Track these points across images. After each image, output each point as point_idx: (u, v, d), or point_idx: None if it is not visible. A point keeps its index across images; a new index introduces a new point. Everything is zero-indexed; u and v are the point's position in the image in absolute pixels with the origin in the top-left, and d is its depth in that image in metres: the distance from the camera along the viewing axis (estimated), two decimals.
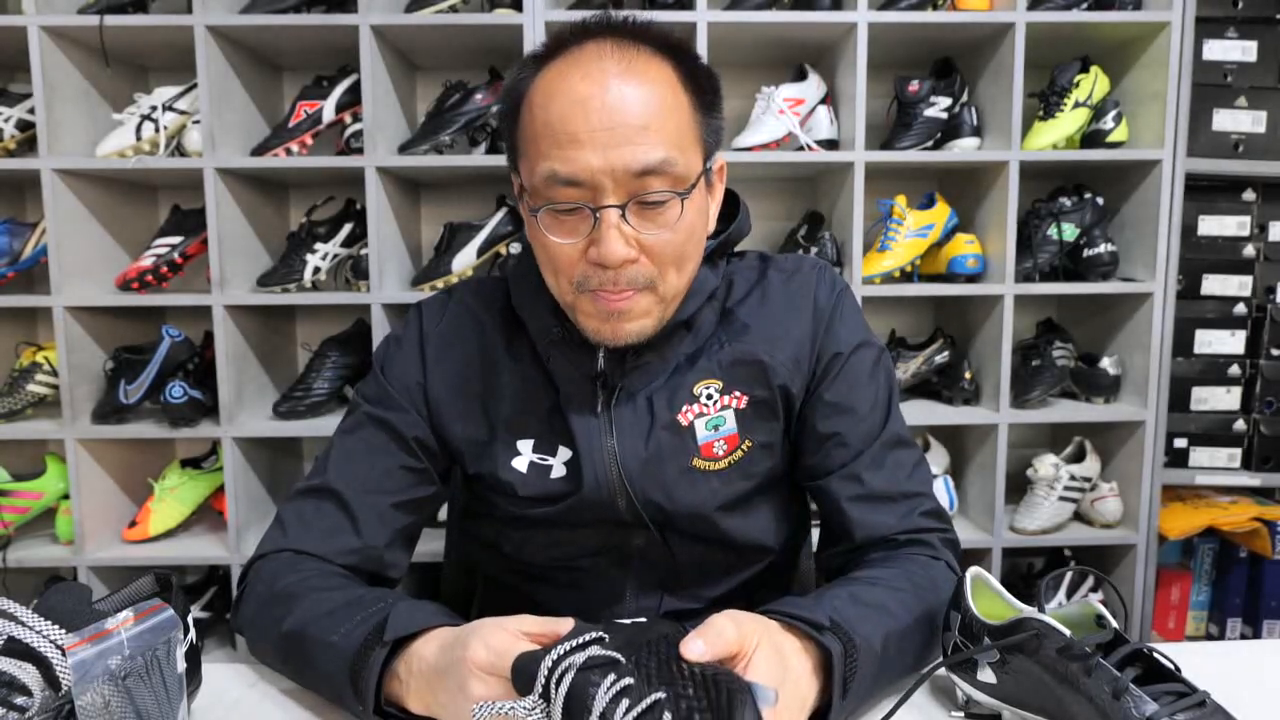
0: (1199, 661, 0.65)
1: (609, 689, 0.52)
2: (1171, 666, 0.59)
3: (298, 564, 0.80)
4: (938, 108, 1.73)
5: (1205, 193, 1.79)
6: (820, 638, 0.64)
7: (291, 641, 0.72)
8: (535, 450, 0.85)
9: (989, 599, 0.69)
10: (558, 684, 0.53)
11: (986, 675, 0.65)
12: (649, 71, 0.73)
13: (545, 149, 0.73)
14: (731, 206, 0.90)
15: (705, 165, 0.78)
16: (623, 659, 0.54)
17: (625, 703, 0.51)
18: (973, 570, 0.71)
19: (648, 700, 0.51)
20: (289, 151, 1.67)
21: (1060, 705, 0.60)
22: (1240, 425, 1.82)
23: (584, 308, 0.78)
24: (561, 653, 0.53)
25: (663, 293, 0.77)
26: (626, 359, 0.83)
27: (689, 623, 0.85)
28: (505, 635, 0.59)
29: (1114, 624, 0.61)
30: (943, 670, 0.68)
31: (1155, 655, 0.60)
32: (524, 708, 0.53)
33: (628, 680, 0.52)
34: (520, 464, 0.85)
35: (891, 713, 0.64)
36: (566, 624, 0.58)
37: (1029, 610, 0.64)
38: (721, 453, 0.84)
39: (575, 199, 0.73)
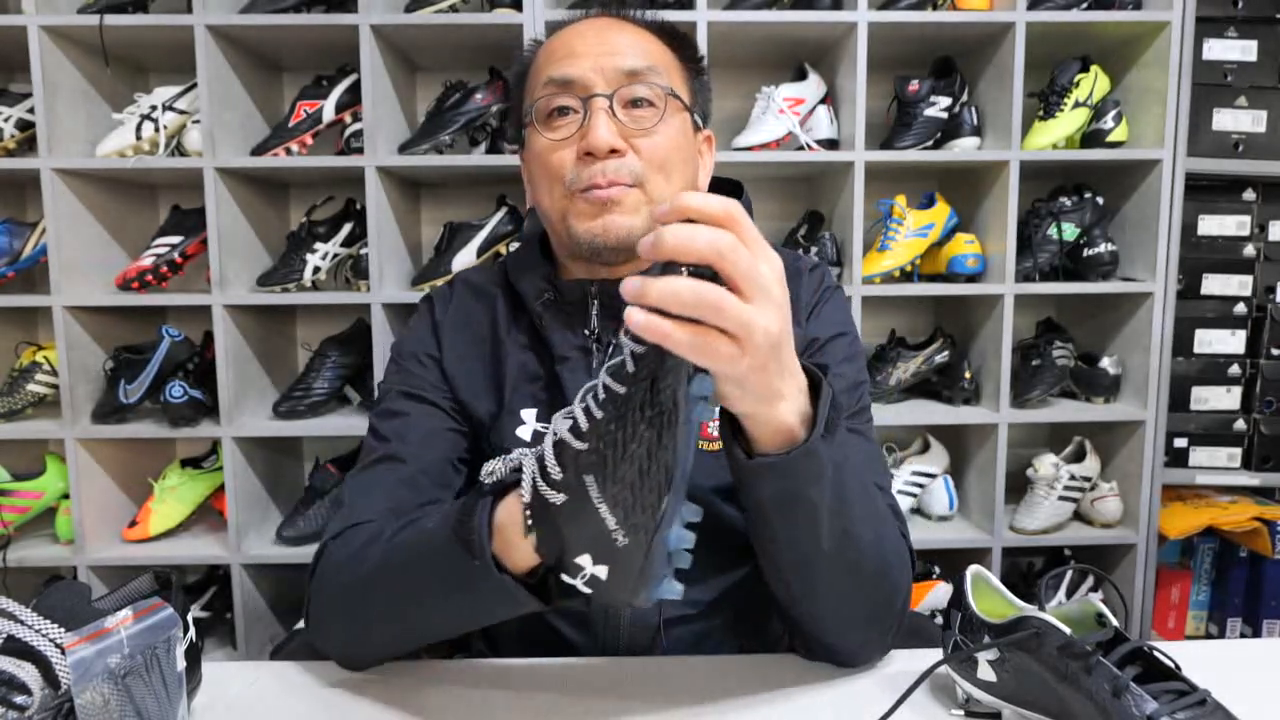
0: (1199, 661, 0.65)
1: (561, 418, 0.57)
2: (1172, 665, 0.59)
3: (368, 525, 0.77)
4: (938, 107, 1.73)
5: (1205, 192, 1.79)
6: (807, 365, 0.63)
7: (384, 571, 0.70)
8: (539, 419, 0.86)
9: (989, 597, 0.69)
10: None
11: (986, 673, 0.65)
12: (638, 29, 0.86)
13: (544, 68, 0.82)
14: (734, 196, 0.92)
15: (692, 111, 0.86)
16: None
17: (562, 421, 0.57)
18: (973, 569, 0.71)
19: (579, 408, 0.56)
20: (289, 151, 1.67)
21: (1060, 703, 0.60)
22: (1240, 425, 1.81)
23: (574, 208, 0.81)
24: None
25: (651, 193, 0.81)
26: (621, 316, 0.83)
27: (686, 628, 0.84)
28: None
29: (1114, 622, 0.61)
30: (943, 668, 0.68)
31: (1155, 654, 0.60)
32: (519, 455, 0.59)
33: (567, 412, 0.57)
34: (524, 433, 0.85)
35: (891, 711, 0.64)
36: None
37: (1029, 608, 0.64)
38: (717, 434, 0.84)
39: (568, 96, 0.80)
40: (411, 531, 0.70)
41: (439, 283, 1.69)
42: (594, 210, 0.80)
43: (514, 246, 1.76)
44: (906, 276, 1.79)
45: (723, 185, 0.94)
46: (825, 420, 0.61)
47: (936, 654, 0.71)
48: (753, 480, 0.63)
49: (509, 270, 0.92)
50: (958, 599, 0.69)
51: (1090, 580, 1.80)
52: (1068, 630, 0.60)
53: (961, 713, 0.68)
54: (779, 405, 0.59)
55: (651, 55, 0.82)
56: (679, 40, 0.88)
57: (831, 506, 0.64)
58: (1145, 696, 0.56)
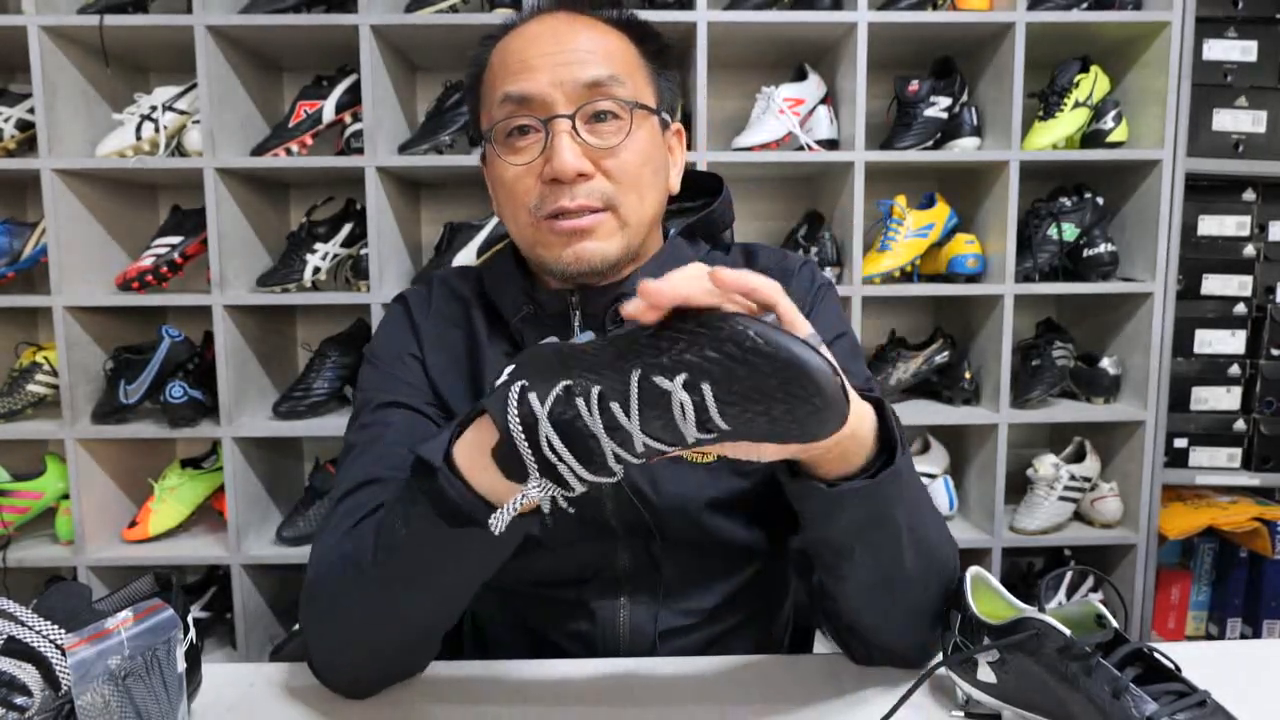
0: (1199, 661, 0.65)
1: (591, 406, 0.49)
2: (1171, 666, 0.59)
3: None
4: (938, 108, 1.73)
5: (1205, 193, 1.79)
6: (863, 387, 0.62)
7: (374, 573, 0.66)
8: None
9: (989, 599, 0.69)
10: (547, 445, 0.51)
11: (986, 675, 0.65)
12: (596, 24, 0.79)
13: (499, 83, 0.77)
14: (716, 194, 0.90)
15: (659, 112, 0.81)
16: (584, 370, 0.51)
17: (615, 406, 0.49)
18: (973, 570, 0.71)
19: (633, 382, 0.49)
20: (289, 151, 1.67)
21: (1060, 705, 0.60)
22: (1240, 425, 1.81)
23: (543, 238, 0.77)
24: (520, 416, 0.50)
25: (624, 215, 0.77)
26: (606, 332, 0.80)
27: (685, 639, 0.83)
28: None
29: (1114, 624, 0.60)
30: (943, 670, 0.68)
31: (1155, 655, 0.60)
32: (534, 490, 0.53)
33: (597, 388, 0.50)
34: None
35: (892, 712, 0.64)
36: None
37: (1029, 610, 0.64)
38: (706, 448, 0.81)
39: (527, 116, 0.75)
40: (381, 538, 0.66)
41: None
42: (563, 240, 0.76)
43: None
44: (906, 277, 1.79)
45: (702, 180, 0.91)
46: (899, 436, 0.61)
47: (936, 655, 0.71)
48: (835, 510, 0.62)
49: (485, 282, 0.87)
50: (957, 600, 0.69)
51: (1090, 580, 1.81)
52: (1067, 631, 0.60)
53: (961, 714, 0.68)
54: (854, 427, 0.58)
55: (612, 59, 0.77)
56: (640, 32, 0.83)
57: (909, 522, 0.64)
58: (1145, 698, 0.56)
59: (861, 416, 0.60)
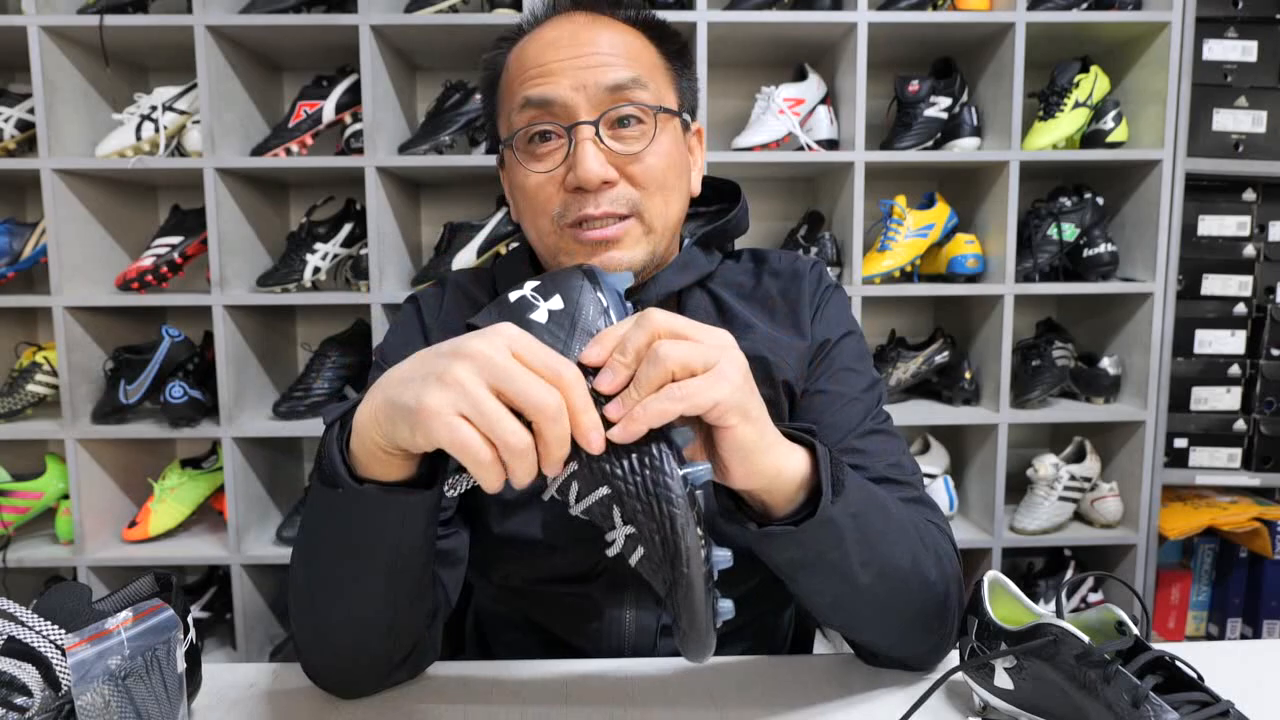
0: (1197, 660, 0.65)
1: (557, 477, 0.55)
2: (1194, 675, 0.58)
3: None
4: (938, 108, 1.73)
5: (1205, 193, 1.79)
6: (801, 434, 0.62)
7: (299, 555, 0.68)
8: None
9: (1007, 603, 0.68)
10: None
11: (1003, 680, 0.64)
12: (615, 25, 0.78)
13: (519, 87, 0.75)
14: (733, 199, 0.89)
15: (681, 114, 0.80)
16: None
17: (576, 487, 0.54)
18: (990, 574, 0.70)
19: (597, 496, 0.54)
20: (289, 151, 1.67)
21: (1078, 712, 0.59)
22: (1240, 425, 1.81)
23: (567, 246, 0.76)
24: None
25: (650, 221, 0.76)
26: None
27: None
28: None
29: (1135, 630, 0.59)
30: (959, 675, 0.67)
31: (1178, 663, 0.58)
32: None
33: (572, 466, 0.54)
34: None
35: (907, 715, 0.63)
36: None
37: (1048, 615, 0.63)
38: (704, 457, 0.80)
39: (549, 122, 0.74)
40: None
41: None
42: (588, 250, 0.74)
43: (514, 246, 1.76)
44: (906, 277, 1.79)
45: (720, 186, 0.91)
46: (831, 482, 0.60)
47: (952, 659, 0.70)
48: (763, 548, 0.62)
49: (497, 283, 0.86)
50: (975, 604, 0.68)
51: (1090, 581, 1.81)
52: (1085, 638, 0.59)
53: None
54: (779, 467, 0.58)
55: (633, 60, 0.76)
56: (660, 32, 0.81)
57: (860, 556, 0.63)
58: (1165, 707, 0.54)
59: (784, 463, 0.59)
